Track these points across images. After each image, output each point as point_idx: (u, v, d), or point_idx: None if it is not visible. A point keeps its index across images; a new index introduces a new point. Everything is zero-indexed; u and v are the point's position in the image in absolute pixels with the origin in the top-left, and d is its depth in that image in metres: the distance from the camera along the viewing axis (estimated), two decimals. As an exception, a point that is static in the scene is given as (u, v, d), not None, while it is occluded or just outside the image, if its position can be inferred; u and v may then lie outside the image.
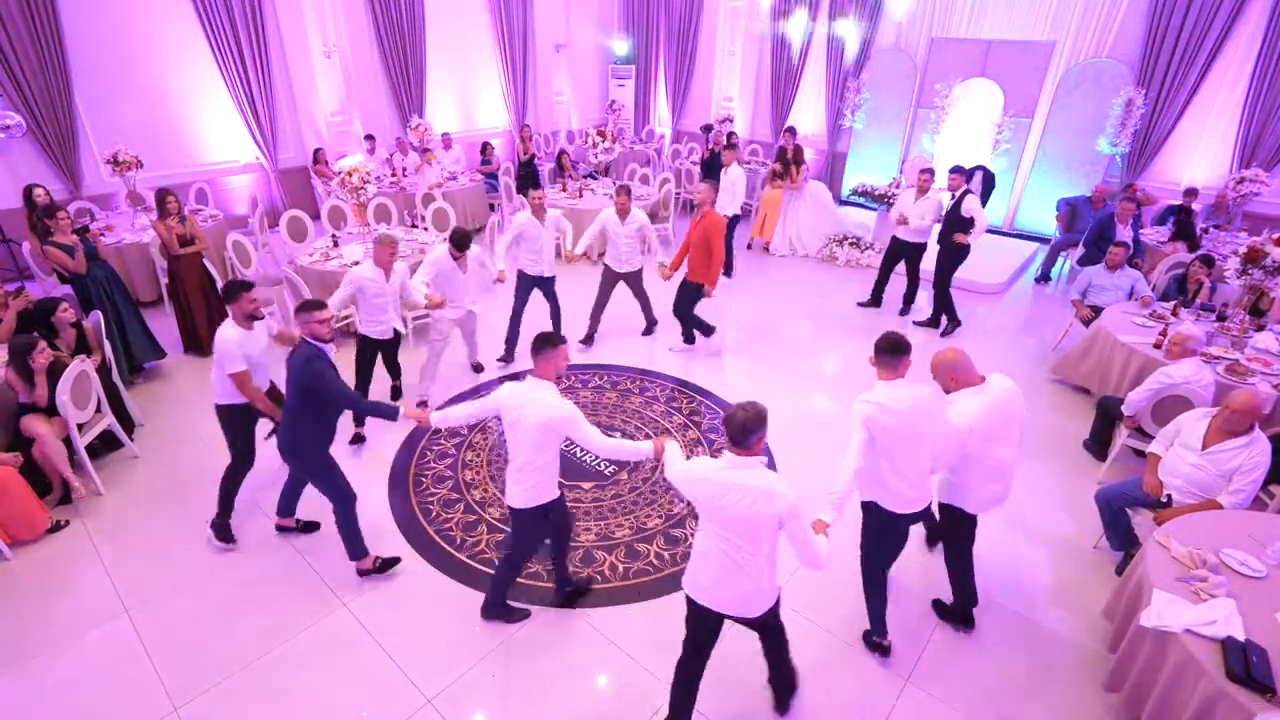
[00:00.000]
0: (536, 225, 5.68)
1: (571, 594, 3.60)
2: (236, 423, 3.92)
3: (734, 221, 7.79)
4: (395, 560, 3.79)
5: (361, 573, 3.72)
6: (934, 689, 3.18)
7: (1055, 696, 3.17)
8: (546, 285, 5.96)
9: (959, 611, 3.50)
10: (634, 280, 6.29)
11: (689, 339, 6.44)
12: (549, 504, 3.15)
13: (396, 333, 4.98)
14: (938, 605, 3.61)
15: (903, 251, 7.04)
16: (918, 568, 3.89)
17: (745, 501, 2.34)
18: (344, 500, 3.56)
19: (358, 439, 4.91)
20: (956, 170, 6.50)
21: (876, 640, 3.33)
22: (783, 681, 3.00)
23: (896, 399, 2.88)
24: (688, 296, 6.09)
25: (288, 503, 3.98)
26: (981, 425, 2.99)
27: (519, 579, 3.53)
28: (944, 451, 3.01)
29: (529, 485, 3.06)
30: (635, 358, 6.27)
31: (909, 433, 2.89)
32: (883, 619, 3.31)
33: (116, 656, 3.27)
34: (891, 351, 2.91)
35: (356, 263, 6.25)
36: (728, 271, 8.16)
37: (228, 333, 3.66)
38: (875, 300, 7.53)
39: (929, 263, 6.89)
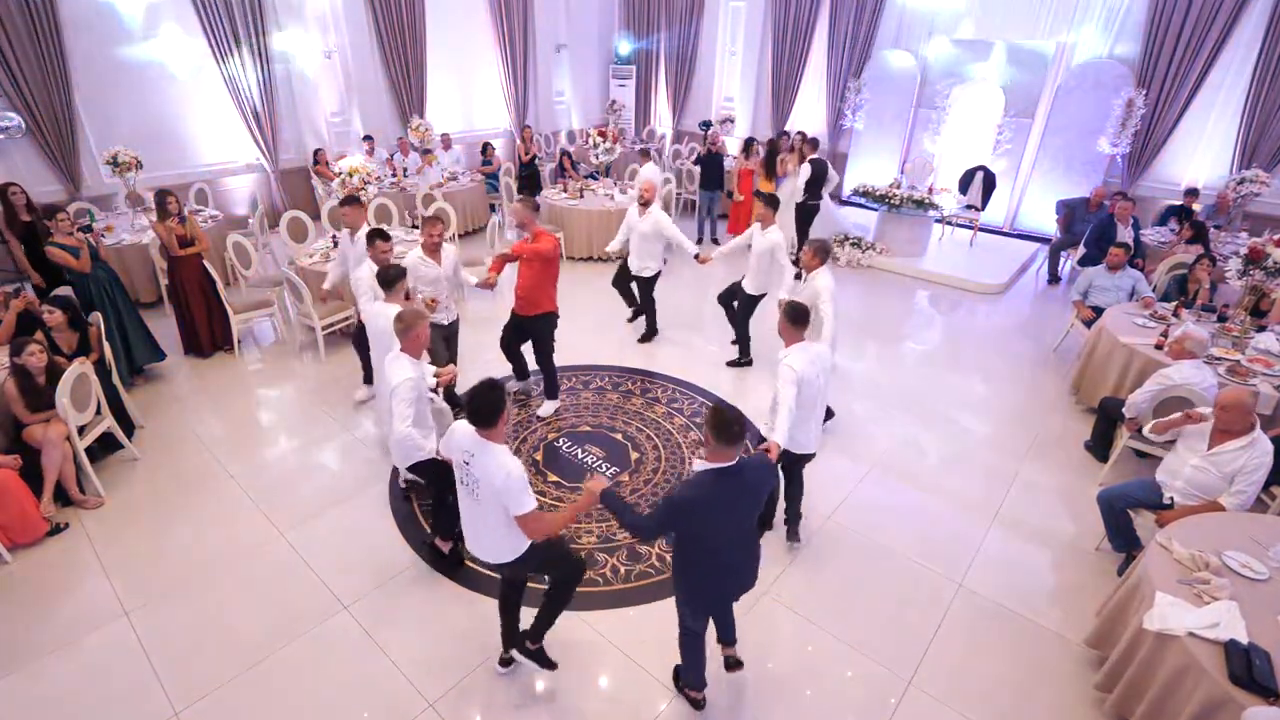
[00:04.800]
0: (431, 266, 4.66)
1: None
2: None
3: None
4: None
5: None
6: (935, 690, 3.18)
7: (1052, 697, 3.16)
8: (450, 332, 4.99)
9: (792, 528, 4.02)
10: (453, 337, 5.02)
11: (523, 374, 5.52)
12: None
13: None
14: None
15: None
16: (894, 570, 3.89)
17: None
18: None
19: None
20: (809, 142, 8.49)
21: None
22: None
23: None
24: (537, 335, 5.03)
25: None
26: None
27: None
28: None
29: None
30: (637, 359, 6.26)
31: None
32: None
33: (116, 660, 3.26)
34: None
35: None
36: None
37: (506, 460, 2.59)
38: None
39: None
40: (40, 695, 3.09)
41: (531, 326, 5.02)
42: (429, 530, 4.01)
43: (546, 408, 5.30)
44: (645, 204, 5.82)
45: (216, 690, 3.11)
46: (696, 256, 5.88)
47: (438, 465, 3.48)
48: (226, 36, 8.47)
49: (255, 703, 3.07)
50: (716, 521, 2.53)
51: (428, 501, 4.21)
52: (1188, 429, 3.66)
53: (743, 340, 6.07)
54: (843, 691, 3.18)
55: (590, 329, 6.80)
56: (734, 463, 2.46)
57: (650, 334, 6.59)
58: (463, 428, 2.69)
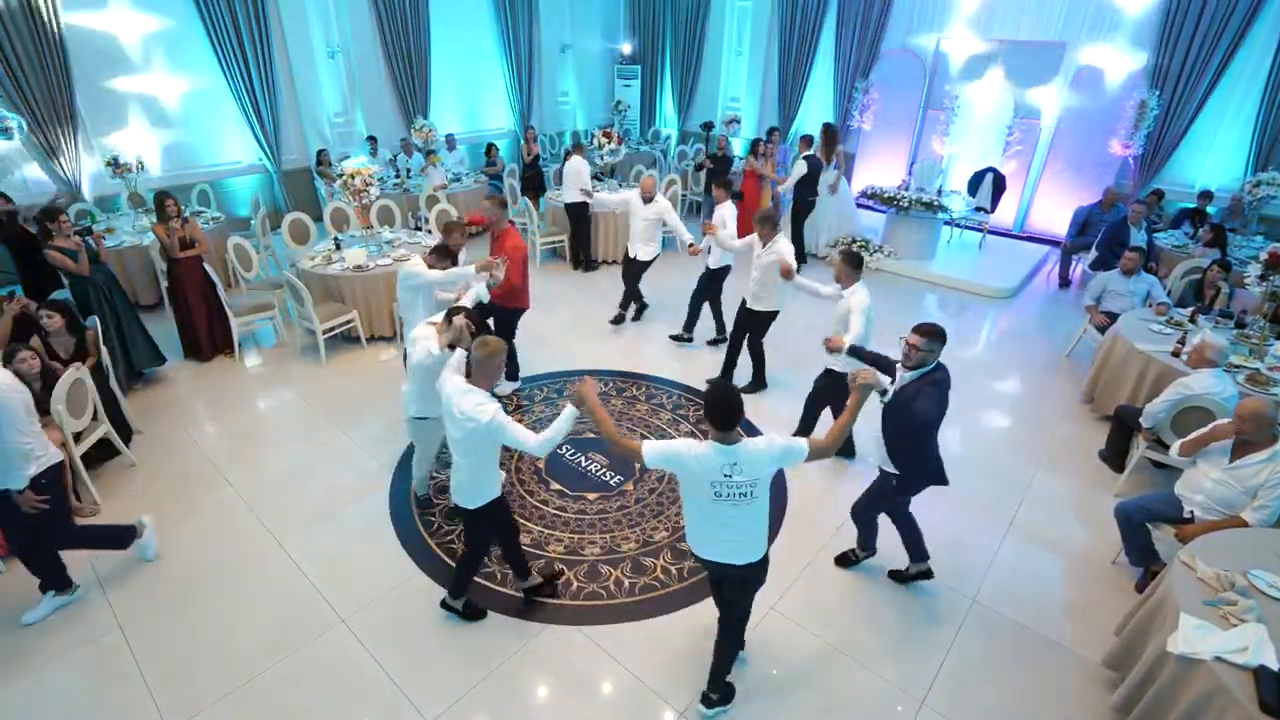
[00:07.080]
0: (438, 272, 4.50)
1: None
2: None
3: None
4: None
5: None
6: (948, 709, 3.08)
7: (1067, 717, 3.08)
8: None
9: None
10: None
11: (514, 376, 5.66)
12: None
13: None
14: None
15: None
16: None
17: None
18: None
19: None
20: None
21: None
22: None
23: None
24: (504, 327, 5.24)
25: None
26: None
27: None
28: None
29: None
30: (639, 363, 6.18)
31: None
32: None
33: (109, 674, 3.19)
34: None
35: (359, 266, 6.18)
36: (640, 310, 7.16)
37: None
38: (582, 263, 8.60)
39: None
40: (31, 708, 3.02)
41: (497, 314, 5.16)
42: (456, 602, 3.52)
43: (505, 387, 5.59)
44: (649, 200, 6.50)
45: (211, 706, 3.04)
46: (690, 245, 6.24)
47: (505, 508, 3.44)
48: (229, 36, 8.41)
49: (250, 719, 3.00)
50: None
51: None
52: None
53: (717, 319, 6.55)
54: (853, 709, 3.09)
55: (599, 334, 6.74)
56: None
57: (640, 311, 7.14)
58: (699, 451, 2.51)
